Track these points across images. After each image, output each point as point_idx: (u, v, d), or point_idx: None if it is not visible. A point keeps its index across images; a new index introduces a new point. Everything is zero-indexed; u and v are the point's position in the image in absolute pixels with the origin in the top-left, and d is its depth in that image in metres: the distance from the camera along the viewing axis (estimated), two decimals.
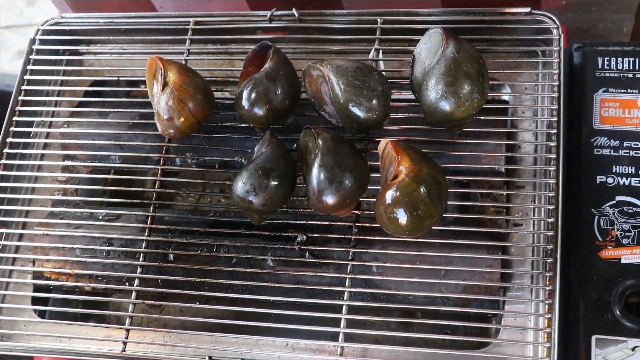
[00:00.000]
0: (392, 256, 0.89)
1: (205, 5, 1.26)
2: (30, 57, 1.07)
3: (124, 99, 1.04)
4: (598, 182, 0.89)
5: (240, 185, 0.84)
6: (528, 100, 0.96)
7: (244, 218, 0.93)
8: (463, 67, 0.82)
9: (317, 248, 0.91)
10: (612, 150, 0.90)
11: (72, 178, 1.03)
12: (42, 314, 0.98)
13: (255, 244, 0.93)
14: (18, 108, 1.04)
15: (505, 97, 0.98)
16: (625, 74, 0.93)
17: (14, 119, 1.03)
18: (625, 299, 0.83)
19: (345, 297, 0.87)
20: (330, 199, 0.82)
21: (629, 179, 0.88)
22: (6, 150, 1.02)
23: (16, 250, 1.00)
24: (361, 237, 0.89)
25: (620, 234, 0.86)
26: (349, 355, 0.86)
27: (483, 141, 0.92)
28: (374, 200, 0.82)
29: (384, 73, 0.93)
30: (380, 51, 0.99)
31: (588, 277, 0.85)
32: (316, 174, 0.82)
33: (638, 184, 0.88)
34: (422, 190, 0.79)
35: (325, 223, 0.90)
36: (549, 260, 0.84)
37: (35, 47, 1.08)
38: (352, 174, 0.82)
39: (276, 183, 0.84)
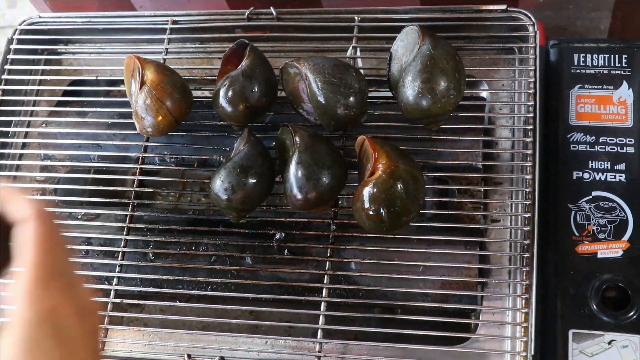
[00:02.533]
0: (370, 253, 0.89)
1: (185, 4, 1.25)
2: (8, 56, 1.07)
3: (102, 99, 1.03)
4: (574, 177, 0.89)
5: (219, 183, 0.84)
6: (505, 96, 0.96)
7: (223, 216, 0.92)
8: (439, 64, 0.83)
9: (296, 245, 0.91)
10: (588, 146, 0.91)
11: (51, 178, 1.03)
12: None
13: (234, 242, 0.93)
14: None
15: (483, 94, 0.99)
16: (601, 71, 0.94)
17: None
18: (602, 293, 0.84)
19: (324, 294, 0.87)
20: (307, 196, 0.82)
21: (605, 174, 0.89)
22: None
23: None
24: (339, 234, 0.89)
25: (597, 229, 0.87)
26: (329, 352, 0.86)
27: (460, 137, 0.93)
28: (352, 196, 0.83)
29: (361, 71, 0.93)
30: (358, 49, 0.99)
31: (565, 271, 0.86)
32: (293, 171, 0.82)
33: (614, 179, 0.89)
34: (399, 186, 0.79)
35: (303, 220, 0.91)
36: (525, 256, 0.84)
37: (13, 46, 1.08)
38: (329, 172, 0.82)
39: (254, 181, 0.84)
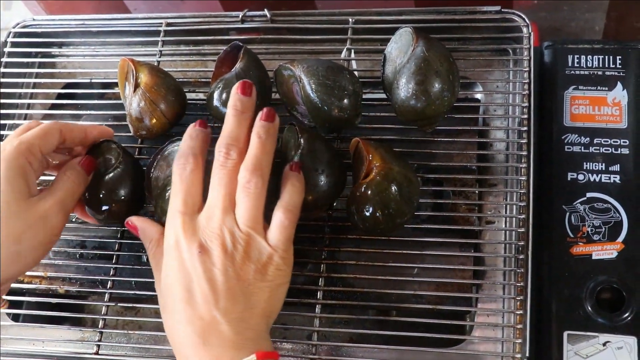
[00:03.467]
0: (365, 255, 0.89)
1: (179, 6, 1.25)
2: (2, 59, 1.07)
3: (96, 101, 1.03)
4: (569, 178, 0.90)
5: None
6: (499, 98, 0.96)
7: None
8: (433, 66, 0.82)
9: None
10: (582, 147, 0.91)
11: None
12: (15, 317, 0.98)
13: None
14: None
15: (477, 96, 0.99)
16: (595, 72, 0.94)
17: None
18: (597, 295, 0.84)
19: (318, 296, 0.87)
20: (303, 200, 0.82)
21: (599, 175, 0.89)
22: None
23: None
24: (334, 236, 0.89)
25: (591, 230, 0.87)
26: (324, 354, 0.86)
27: (455, 139, 0.92)
28: (346, 199, 0.83)
29: (356, 73, 0.93)
30: (352, 51, 0.99)
31: (560, 273, 0.86)
32: None
33: (608, 181, 0.89)
34: (393, 188, 0.79)
35: (298, 222, 0.90)
36: (520, 257, 0.84)
37: (7, 49, 1.07)
38: (328, 179, 0.82)
39: None
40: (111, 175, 0.86)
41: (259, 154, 0.75)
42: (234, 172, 0.75)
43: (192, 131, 0.80)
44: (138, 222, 0.82)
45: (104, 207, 0.86)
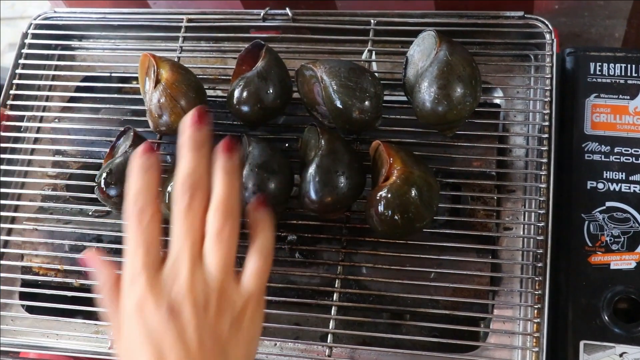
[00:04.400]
0: (382, 258, 0.89)
1: (198, 1, 1.25)
2: (22, 51, 1.07)
3: (115, 95, 1.03)
4: (588, 187, 0.89)
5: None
6: (520, 104, 0.96)
7: None
8: (456, 70, 0.82)
9: (308, 248, 0.91)
10: (602, 156, 0.90)
11: (62, 173, 1.03)
12: (30, 309, 0.98)
13: (245, 244, 0.92)
14: (9, 102, 1.04)
15: (498, 101, 0.98)
16: (617, 80, 0.93)
17: (5, 112, 1.03)
18: (614, 304, 0.83)
19: (334, 298, 0.87)
20: (322, 201, 0.81)
21: (619, 184, 0.89)
22: None
23: (5, 244, 0.99)
24: (352, 238, 0.89)
25: (610, 240, 0.86)
26: (337, 356, 0.86)
27: (475, 144, 0.92)
28: (365, 201, 0.83)
29: (376, 74, 0.93)
30: (373, 52, 0.99)
31: (577, 282, 0.85)
32: (312, 173, 0.82)
33: (628, 190, 0.88)
34: (413, 193, 0.79)
35: (316, 223, 0.90)
36: (538, 265, 0.84)
37: (27, 41, 1.07)
38: (347, 181, 0.82)
39: (278, 177, 0.84)
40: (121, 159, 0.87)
41: (228, 194, 0.66)
42: (200, 217, 0.65)
43: (144, 161, 0.66)
44: (93, 262, 0.71)
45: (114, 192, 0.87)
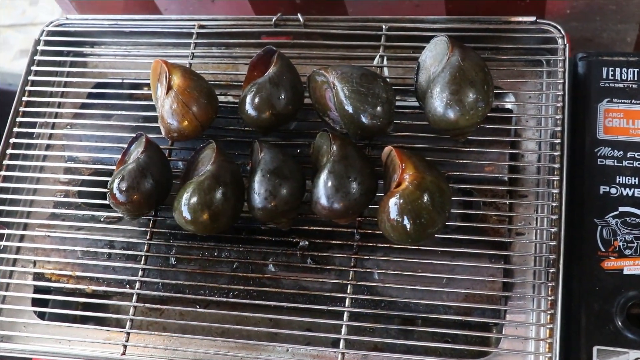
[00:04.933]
0: (394, 263, 0.89)
1: (209, 6, 1.26)
2: (35, 57, 1.08)
3: (127, 102, 1.04)
4: (601, 192, 0.89)
5: (255, 197, 0.84)
6: (532, 109, 0.96)
7: (247, 223, 0.93)
8: (468, 76, 0.82)
9: (319, 254, 0.91)
10: (615, 161, 0.90)
11: (74, 180, 1.03)
12: (42, 316, 0.98)
13: (257, 249, 0.93)
14: (22, 109, 1.04)
15: (509, 106, 0.98)
16: (630, 85, 0.93)
17: (17, 119, 1.03)
18: (627, 310, 0.83)
19: (346, 304, 0.86)
20: (334, 206, 0.82)
21: (632, 189, 0.88)
22: (9, 151, 1.02)
23: (17, 251, 1.00)
24: (363, 244, 0.89)
25: (623, 245, 0.86)
26: None
27: (487, 150, 0.92)
28: (377, 206, 0.82)
29: (388, 80, 0.93)
30: (385, 57, 0.99)
31: (590, 287, 0.85)
32: (324, 179, 0.82)
33: None
34: (425, 198, 0.79)
35: (327, 229, 0.90)
36: (551, 270, 0.84)
37: (40, 47, 1.08)
38: (360, 186, 0.82)
39: (288, 182, 0.84)
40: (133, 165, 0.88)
41: None
42: None
43: None
44: None
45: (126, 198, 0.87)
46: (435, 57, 0.87)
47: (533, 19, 0.96)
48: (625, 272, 0.85)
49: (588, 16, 1.18)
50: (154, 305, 0.94)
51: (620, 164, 0.90)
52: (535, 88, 0.96)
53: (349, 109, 0.85)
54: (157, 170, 0.89)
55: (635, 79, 0.93)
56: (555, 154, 0.88)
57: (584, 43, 1.24)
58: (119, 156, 0.93)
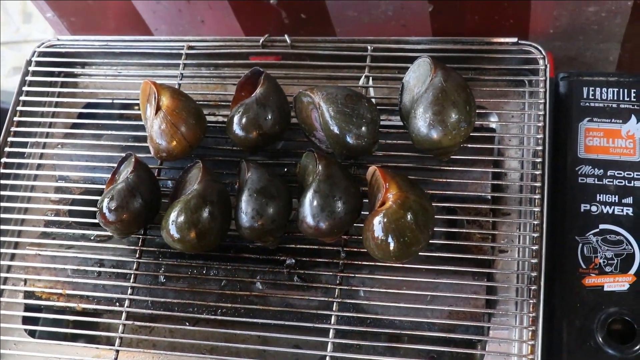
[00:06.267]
0: (379, 281, 0.90)
1: (200, 27, 1.27)
2: (26, 78, 1.09)
3: (117, 121, 1.05)
4: (582, 210, 0.90)
5: (242, 216, 0.86)
6: (514, 128, 0.98)
7: (235, 241, 0.94)
8: (450, 97, 0.84)
9: (306, 272, 0.92)
10: (596, 179, 0.92)
11: (65, 199, 1.05)
12: (32, 334, 0.99)
13: (244, 267, 0.94)
14: (13, 129, 1.06)
15: (493, 125, 1.00)
16: (610, 104, 0.95)
17: (9, 139, 1.05)
18: (608, 326, 0.84)
19: (332, 321, 0.88)
20: (319, 225, 0.83)
21: (613, 207, 0.90)
22: (1, 170, 1.03)
23: (8, 269, 1.01)
24: (349, 262, 0.90)
25: (604, 262, 0.87)
26: None
27: (470, 169, 0.94)
28: (362, 225, 0.84)
29: (373, 99, 0.94)
30: (370, 78, 1.00)
31: (571, 304, 0.86)
32: (310, 198, 0.83)
33: (621, 213, 0.90)
34: (408, 217, 0.80)
35: (314, 247, 0.92)
36: (532, 288, 0.85)
37: (31, 68, 1.09)
38: (344, 205, 0.83)
39: (275, 202, 0.86)
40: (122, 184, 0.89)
41: None
42: None
43: None
44: None
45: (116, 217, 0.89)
46: (418, 77, 0.89)
47: (515, 40, 0.97)
48: (606, 288, 0.86)
49: (571, 36, 1.20)
50: (143, 323, 0.95)
51: (601, 182, 0.91)
52: (517, 108, 0.98)
53: (334, 129, 0.87)
54: (146, 189, 0.90)
55: (615, 98, 0.95)
56: (537, 172, 0.90)
57: (568, 62, 1.26)
58: (109, 175, 0.94)
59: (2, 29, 2.18)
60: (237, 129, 0.90)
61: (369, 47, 1.01)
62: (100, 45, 1.10)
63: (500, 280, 0.90)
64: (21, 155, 1.06)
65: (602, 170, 0.92)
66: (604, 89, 0.96)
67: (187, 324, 0.96)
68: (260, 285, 0.94)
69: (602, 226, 0.89)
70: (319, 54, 1.03)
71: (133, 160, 0.92)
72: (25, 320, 0.99)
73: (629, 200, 0.90)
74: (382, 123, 0.90)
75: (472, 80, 0.97)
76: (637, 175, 0.91)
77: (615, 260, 0.87)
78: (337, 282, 0.90)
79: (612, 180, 0.91)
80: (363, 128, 0.87)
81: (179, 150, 0.92)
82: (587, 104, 0.96)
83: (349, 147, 0.88)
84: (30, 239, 1.02)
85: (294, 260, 0.93)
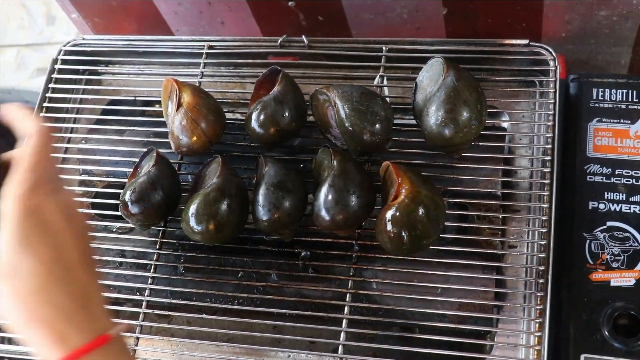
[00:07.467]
0: (391, 273, 0.93)
1: (220, 28, 1.30)
2: (52, 75, 1.13)
3: (139, 118, 1.08)
4: (590, 207, 0.93)
5: (259, 209, 0.89)
6: (525, 127, 1.00)
7: (251, 234, 0.97)
8: (462, 96, 0.87)
9: (320, 264, 0.95)
10: (604, 178, 0.94)
11: (88, 192, 1.08)
12: None
13: (261, 259, 0.97)
14: None
15: (504, 125, 1.02)
16: (619, 105, 0.97)
17: None
18: (614, 320, 0.86)
19: (345, 312, 0.90)
20: (334, 218, 0.86)
21: (620, 205, 0.92)
22: None
23: None
24: (362, 255, 0.93)
25: (610, 258, 0.90)
26: None
27: (481, 166, 0.96)
28: (375, 219, 0.87)
29: (387, 99, 0.97)
30: (385, 77, 1.03)
31: (578, 298, 0.88)
32: (325, 192, 0.86)
33: (628, 210, 0.92)
34: (420, 211, 0.83)
35: (328, 240, 0.94)
36: (540, 281, 0.88)
37: (57, 66, 1.13)
38: (358, 200, 0.86)
39: (291, 196, 0.89)
40: (144, 178, 0.92)
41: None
42: None
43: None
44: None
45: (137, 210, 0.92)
46: (431, 77, 0.91)
47: (526, 41, 1.00)
48: (612, 284, 0.88)
49: (583, 39, 1.22)
50: (162, 312, 0.98)
51: (609, 181, 0.94)
52: (528, 107, 1.01)
53: (349, 126, 0.89)
54: (167, 183, 0.93)
55: (624, 99, 0.97)
56: (546, 170, 0.92)
57: (580, 65, 1.28)
58: (131, 169, 0.97)
59: (26, 32, 2.22)
60: (255, 125, 0.93)
61: (383, 48, 1.04)
62: (123, 44, 1.13)
63: (509, 274, 0.92)
64: None
65: (610, 169, 0.94)
66: (613, 91, 0.98)
67: (205, 314, 0.98)
68: (276, 276, 0.97)
69: (609, 223, 0.92)
70: (335, 54, 1.06)
71: (155, 154, 0.95)
72: None
73: (636, 198, 0.92)
74: (395, 121, 0.93)
75: (484, 81, 1.00)
76: None
77: (622, 257, 0.89)
78: (351, 274, 0.92)
79: (620, 178, 0.94)
80: (377, 125, 0.89)
81: (199, 146, 0.95)
82: (597, 104, 0.98)
83: (363, 144, 0.90)
84: None
85: (308, 253, 0.96)
